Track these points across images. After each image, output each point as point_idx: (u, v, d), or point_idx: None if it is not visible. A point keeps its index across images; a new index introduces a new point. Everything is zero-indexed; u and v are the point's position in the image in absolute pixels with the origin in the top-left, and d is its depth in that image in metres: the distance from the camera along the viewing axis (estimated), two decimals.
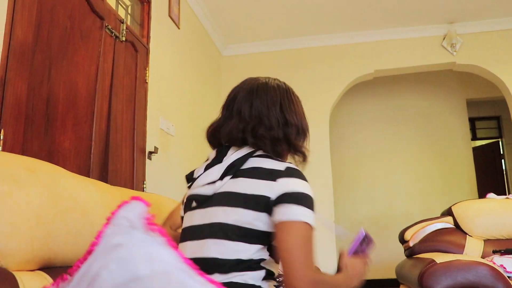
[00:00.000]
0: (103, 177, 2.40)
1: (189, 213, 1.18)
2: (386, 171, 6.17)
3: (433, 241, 3.08)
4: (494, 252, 2.92)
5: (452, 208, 3.28)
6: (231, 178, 1.14)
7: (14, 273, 1.04)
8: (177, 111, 3.70)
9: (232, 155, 1.18)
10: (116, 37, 2.69)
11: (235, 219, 1.08)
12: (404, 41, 5.06)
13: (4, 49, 1.80)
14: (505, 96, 4.98)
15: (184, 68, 3.94)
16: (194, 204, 1.16)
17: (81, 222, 1.30)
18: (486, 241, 3.07)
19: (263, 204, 1.09)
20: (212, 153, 1.27)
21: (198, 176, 1.19)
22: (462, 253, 2.97)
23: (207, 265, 1.03)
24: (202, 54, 4.52)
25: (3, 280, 0.98)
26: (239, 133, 1.20)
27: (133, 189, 2.64)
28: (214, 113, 4.92)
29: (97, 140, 2.38)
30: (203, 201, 1.14)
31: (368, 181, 6.20)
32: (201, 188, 1.17)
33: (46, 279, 1.12)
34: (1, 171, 1.12)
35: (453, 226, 3.21)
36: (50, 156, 2.02)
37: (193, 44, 4.23)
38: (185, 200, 1.24)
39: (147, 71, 3.09)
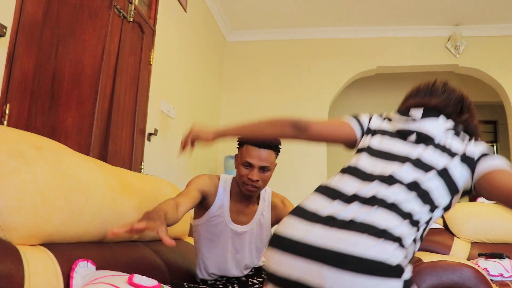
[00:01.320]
0: (103, 156, 2.43)
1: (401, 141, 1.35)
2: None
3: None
4: (480, 255, 2.98)
5: None
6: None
7: (18, 247, 1.08)
8: (179, 94, 3.72)
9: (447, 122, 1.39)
10: (124, 17, 2.70)
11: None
12: (409, 40, 5.07)
13: (14, 25, 1.82)
14: (503, 101, 5.02)
15: (188, 51, 3.96)
16: (413, 137, 1.34)
17: (83, 201, 1.34)
18: (473, 243, 3.14)
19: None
20: (418, 111, 1.41)
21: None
22: (448, 254, 3.03)
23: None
24: (207, 38, 4.52)
25: (8, 254, 1.03)
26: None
27: (131, 169, 2.68)
28: (214, 97, 4.95)
29: (99, 119, 2.41)
30: (424, 139, 1.33)
31: None
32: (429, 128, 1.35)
33: (47, 254, 1.16)
34: (10, 147, 1.15)
35: (442, 227, 3.27)
36: (53, 132, 2.05)
37: (198, 28, 4.23)
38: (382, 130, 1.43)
39: (152, 53, 3.10)
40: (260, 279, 1.93)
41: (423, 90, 1.54)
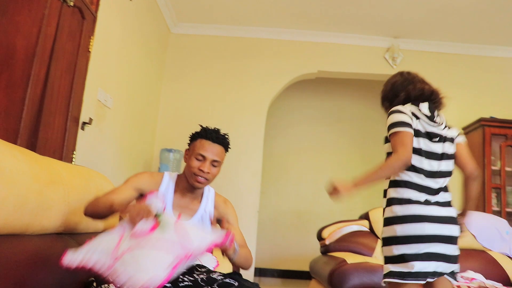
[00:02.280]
0: (32, 143, 2.34)
1: (429, 142, 2.04)
2: (315, 168, 6.40)
3: (347, 242, 3.28)
4: None
5: (369, 212, 3.50)
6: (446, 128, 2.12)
7: None
8: (117, 84, 3.64)
9: (442, 115, 2.17)
10: (64, 1, 2.61)
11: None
12: (350, 47, 5.24)
13: None
14: None
15: (130, 40, 3.88)
16: (436, 139, 2.05)
17: (4, 192, 1.29)
18: None
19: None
20: (425, 107, 2.11)
21: (435, 121, 2.08)
22: (371, 256, 3.19)
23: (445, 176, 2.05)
24: (150, 29, 4.45)
25: None
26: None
27: (61, 159, 2.59)
28: (154, 89, 4.88)
29: (30, 105, 2.31)
30: (441, 139, 2.06)
31: (296, 176, 6.40)
32: (441, 130, 2.08)
33: None
34: None
35: (368, 230, 3.43)
36: None
37: (142, 18, 4.15)
38: (418, 130, 2.04)
39: (91, 40, 3.01)
40: (191, 278, 1.94)
41: (417, 78, 2.33)
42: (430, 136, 2.03)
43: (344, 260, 2.79)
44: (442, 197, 1.99)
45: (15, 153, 1.43)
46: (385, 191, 2.06)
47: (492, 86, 5.17)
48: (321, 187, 6.45)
